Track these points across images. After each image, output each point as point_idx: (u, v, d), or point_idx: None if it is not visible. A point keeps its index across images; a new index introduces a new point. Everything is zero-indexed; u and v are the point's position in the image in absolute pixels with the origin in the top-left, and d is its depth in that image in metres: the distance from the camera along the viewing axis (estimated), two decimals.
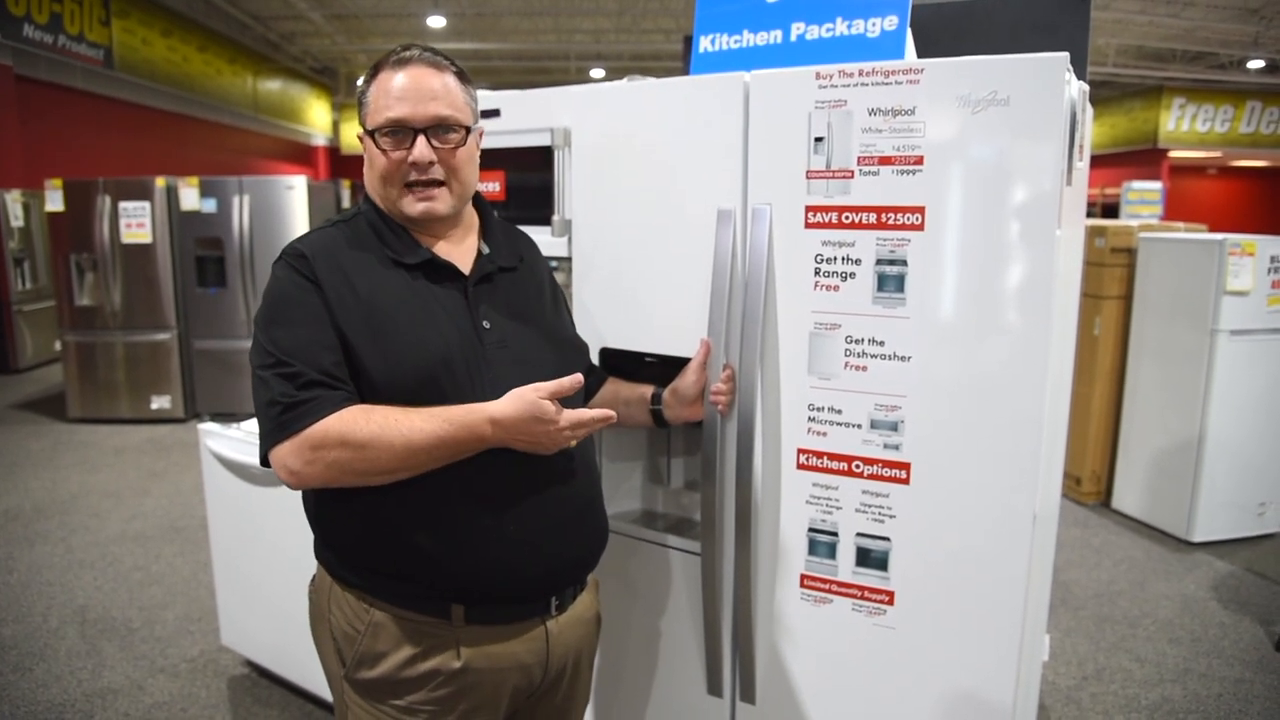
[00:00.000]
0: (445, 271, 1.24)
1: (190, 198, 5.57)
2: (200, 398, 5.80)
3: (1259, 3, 9.85)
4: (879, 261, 1.35)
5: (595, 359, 1.61)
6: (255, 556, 2.44)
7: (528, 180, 1.70)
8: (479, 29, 11.89)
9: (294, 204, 5.61)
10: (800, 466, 1.46)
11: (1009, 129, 1.24)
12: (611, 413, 1.21)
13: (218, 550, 2.58)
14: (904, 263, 1.33)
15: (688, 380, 1.48)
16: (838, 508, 1.44)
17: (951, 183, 1.29)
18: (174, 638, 2.85)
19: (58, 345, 6.12)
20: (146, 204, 5.51)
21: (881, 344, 1.36)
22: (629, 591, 1.71)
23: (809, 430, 1.44)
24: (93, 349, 5.68)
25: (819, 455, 1.44)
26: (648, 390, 1.51)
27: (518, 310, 1.29)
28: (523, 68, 14.41)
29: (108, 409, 5.70)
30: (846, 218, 1.36)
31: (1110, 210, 11.28)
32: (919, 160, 1.30)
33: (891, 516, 1.40)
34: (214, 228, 5.59)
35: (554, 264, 1.66)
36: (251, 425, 2.37)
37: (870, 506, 1.41)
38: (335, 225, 1.26)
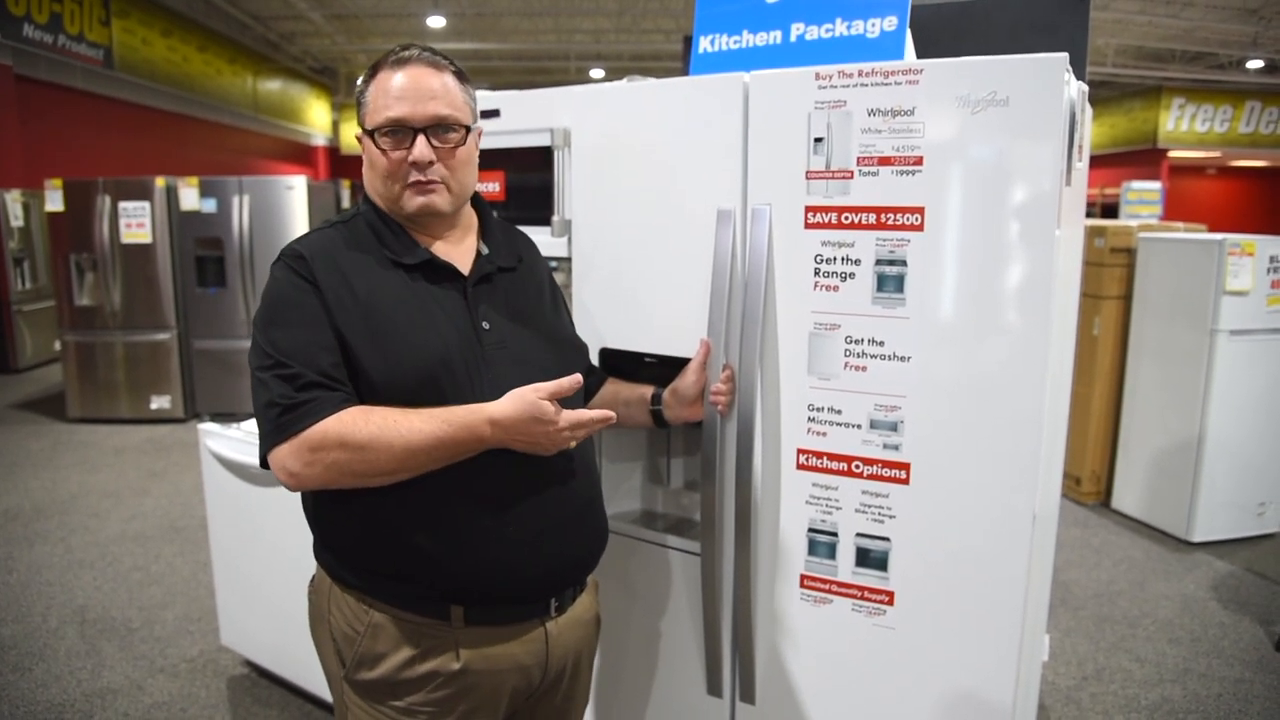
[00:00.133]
0: (444, 272, 1.24)
1: (190, 198, 5.57)
2: (200, 398, 5.80)
3: (1258, 3, 9.85)
4: (878, 262, 1.35)
5: (595, 359, 1.61)
6: (255, 556, 2.44)
7: (527, 180, 1.70)
8: (479, 29, 11.89)
9: (294, 204, 5.61)
10: (800, 467, 1.46)
11: (1008, 129, 1.24)
12: (611, 413, 1.21)
13: (217, 550, 2.58)
14: (903, 263, 1.33)
15: (687, 380, 1.48)
16: (837, 508, 1.44)
17: (951, 183, 1.29)
18: (173, 638, 2.85)
19: (57, 345, 6.12)
20: (146, 204, 5.51)
21: (881, 344, 1.36)
22: (629, 592, 1.71)
23: (809, 430, 1.44)
24: (92, 349, 5.68)
25: (819, 455, 1.44)
26: (647, 390, 1.51)
27: (517, 310, 1.29)
28: (523, 68, 14.41)
29: (107, 409, 5.70)
30: (846, 218, 1.36)
31: (1110, 210, 11.28)
32: (918, 161, 1.30)
33: (891, 517, 1.40)
34: (214, 228, 5.59)
35: (554, 264, 1.66)
36: (251, 425, 2.37)
37: (870, 507, 1.41)
38: (334, 226, 1.25)
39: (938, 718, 1.41)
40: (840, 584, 1.45)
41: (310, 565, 1.31)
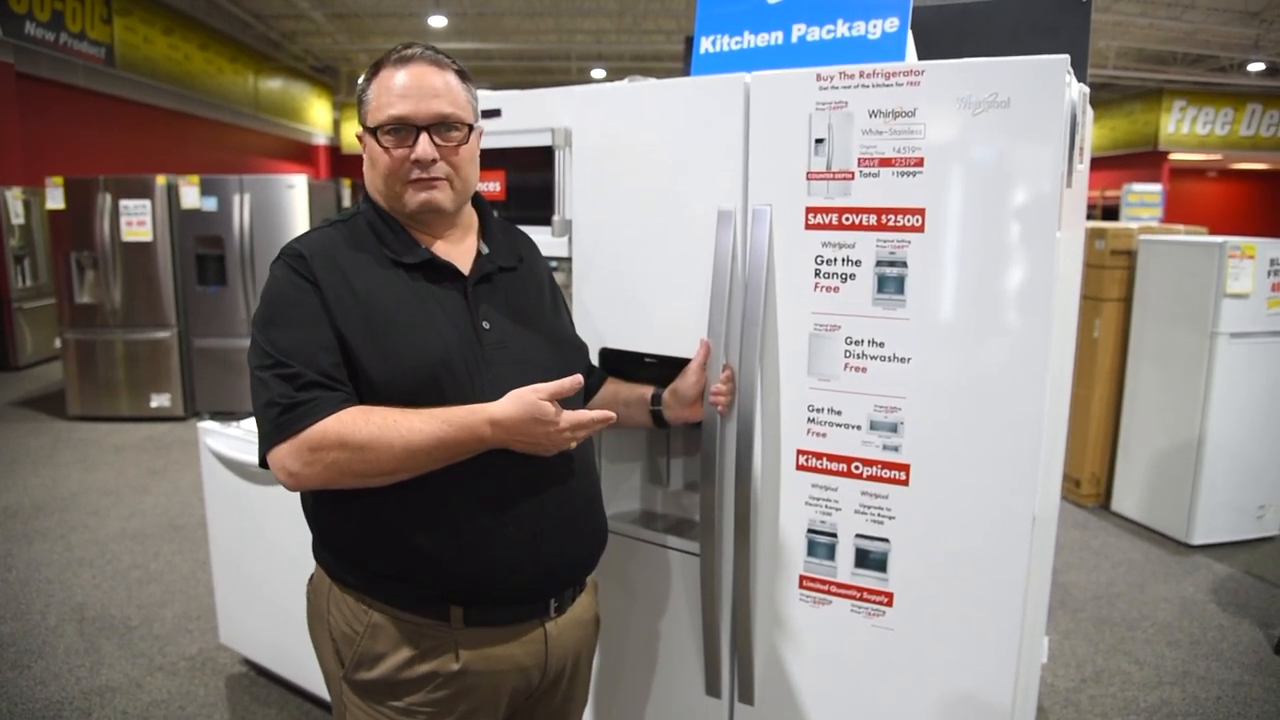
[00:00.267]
0: (444, 271, 1.24)
1: (191, 196, 5.57)
2: (200, 396, 5.80)
3: (1259, 6, 9.85)
4: (879, 263, 1.35)
5: (595, 359, 1.61)
6: (254, 555, 2.44)
7: (528, 180, 1.70)
8: (480, 29, 11.89)
9: (294, 203, 5.61)
10: (800, 467, 1.46)
11: (1009, 131, 1.24)
12: (612, 414, 1.21)
13: (217, 548, 2.58)
14: (904, 264, 1.33)
15: (687, 381, 1.48)
16: (837, 509, 1.44)
17: (952, 184, 1.29)
18: (172, 636, 2.85)
19: (58, 343, 6.12)
20: (147, 202, 5.51)
21: (881, 345, 1.36)
22: (628, 592, 1.71)
23: (808, 431, 1.44)
24: (93, 347, 5.68)
25: (818, 456, 1.44)
26: (647, 391, 1.51)
27: (517, 310, 1.29)
28: (524, 68, 14.41)
29: (107, 407, 5.70)
30: (847, 219, 1.36)
31: (1110, 213, 11.28)
32: (919, 162, 1.30)
33: (891, 518, 1.40)
34: (214, 226, 5.59)
35: (554, 264, 1.66)
36: (251, 423, 2.37)
37: (869, 508, 1.41)
38: (334, 225, 1.25)
39: (937, 719, 1.41)
40: (839, 585, 1.45)
41: (309, 564, 1.31)
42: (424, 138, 1.19)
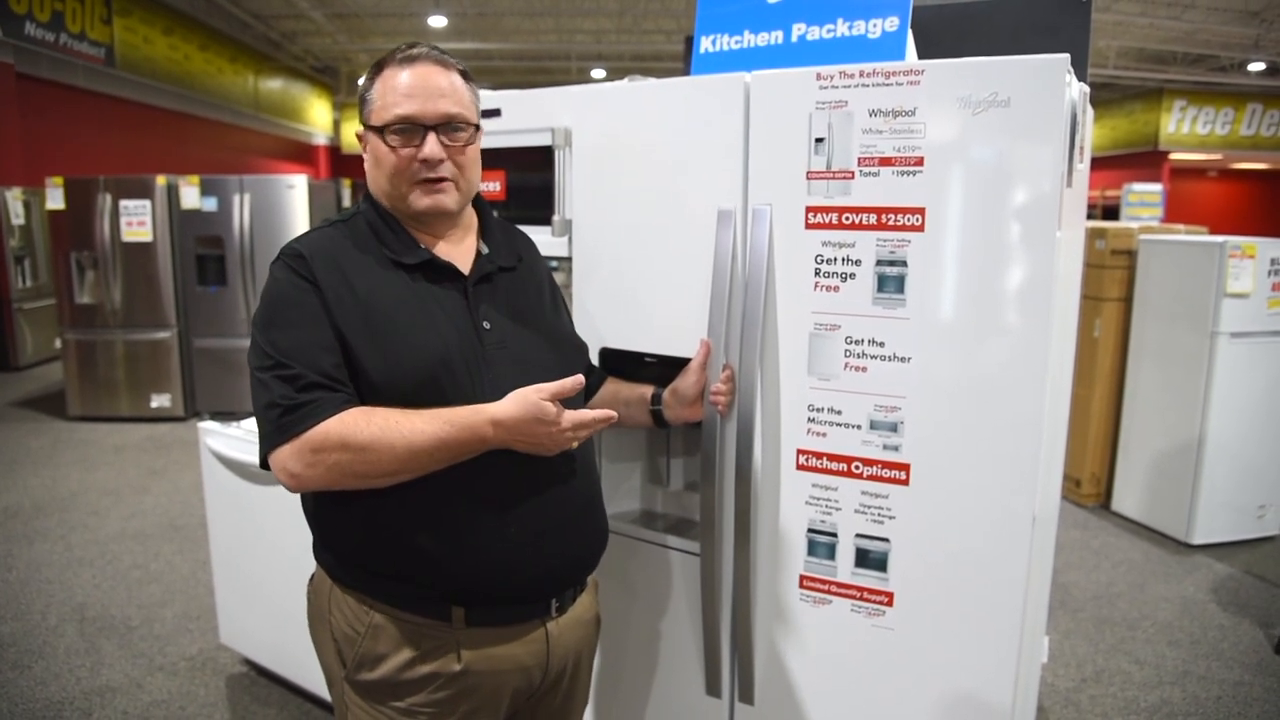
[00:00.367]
0: (445, 272, 1.24)
1: (191, 196, 5.57)
2: (200, 396, 5.80)
3: (1259, 5, 9.85)
4: (879, 262, 1.35)
5: (595, 359, 1.61)
6: (254, 555, 2.44)
7: (528, 180, 1.70)
8: (480, 29, 11.89)
9: (295, 203, 5.61)
10: (800, 467, 1.46)
11: (1009, 130, 1.24)
12: (613, 413, 1.21)
13: (217, 549, 2.58)
14: (904, 264, 1.33)
15: (688, 381, 1.48)
16: (837, 508, 1.44)
17: (952, 184, 1.29)
18: (173, 636, 2.85)
19: (58, 343, 6.12)
20: (147, 202, 5.51)
21: (881, 345, 1.36)
22: (628, 592, 1.71)
23: (808, 431, 1.44)
24: (93, 347, 5.68)
25: (818, 456, 1.44)
26: (648, 390, 1.51)
27: (517, 310, 1.29)
28: (524, 68, 14.41)
29: (107, 407, 5.70)
30: (847, 218, 1.36)
31: (1111, 212, 11.28)
32: (919, 161, 1.30)
33: (891, 517, 1.40)
34: (214, 226, 5.59)
35: (554, 264, 1.66)
36: (251, 424, 2.37)
37: (869, 507, 1.41)
38: (334, 225, 1.25)
39: (937, 719, 1.41)
40: (840, 584, 1.45)
41: (309, 564, 1.31)
42: (431, 137, 1.19)
